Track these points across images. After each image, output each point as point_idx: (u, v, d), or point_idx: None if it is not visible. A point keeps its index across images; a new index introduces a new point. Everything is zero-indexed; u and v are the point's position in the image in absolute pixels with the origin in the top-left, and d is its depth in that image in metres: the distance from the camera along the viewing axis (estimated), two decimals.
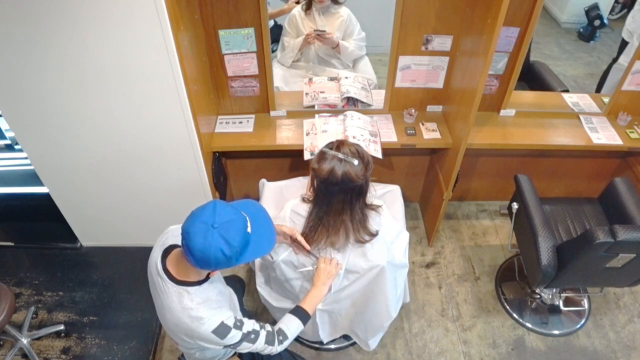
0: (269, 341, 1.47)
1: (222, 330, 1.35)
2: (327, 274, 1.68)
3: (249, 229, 1.26)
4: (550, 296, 2.47)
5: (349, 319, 2.05)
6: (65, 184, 2.35)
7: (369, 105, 2.56)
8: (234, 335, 1.37)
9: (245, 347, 1.43)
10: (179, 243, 1.33)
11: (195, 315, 1.33)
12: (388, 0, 2.13)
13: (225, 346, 1.40)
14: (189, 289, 1.34)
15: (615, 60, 2.93)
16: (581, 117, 2.52)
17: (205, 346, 1.41)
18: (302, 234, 1.69)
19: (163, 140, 2.13)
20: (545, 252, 1.96)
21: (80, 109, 1.99)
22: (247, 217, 1.28)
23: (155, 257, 1.43)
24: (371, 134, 2.29)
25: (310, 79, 2.71)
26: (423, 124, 2.45)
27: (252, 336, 1.43)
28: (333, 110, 2.52)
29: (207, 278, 1.39)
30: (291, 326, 1.55)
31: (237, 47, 2.24)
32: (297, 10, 2.95)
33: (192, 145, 2.14)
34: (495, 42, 1.85)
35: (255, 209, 1.36)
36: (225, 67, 2.32)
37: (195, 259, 1.21)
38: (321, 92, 2.57)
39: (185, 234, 1.22)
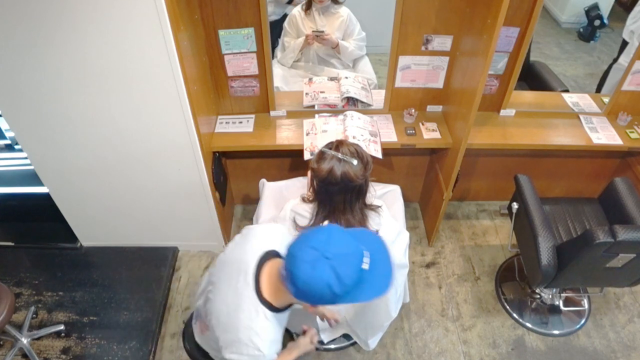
0: None
1: None
2: (304, 348, 1.52)
3: (365, 265, 1.07)
4: (550, 296, 2.47)
5: (348, 318, 2.05)
6: (65, 184, 2.35)
7: (369, 105, 2.56)
8: None
9: None
10: (282, 253, 1.17)
11: (254, 344, 1.18)
12: (388, 0, 2.13)
13: None
14: (269, 313, 1.20)
15: (615, 60, 2.93)
16: (581, 117, 2.52)
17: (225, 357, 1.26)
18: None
19: (163, 140, 2.13)
20: (545, 252, 1.96)
21: (81, 108, 1.99)
22: (365, 251, 1.09)
23: (250, 259, 1.25)
24: (371, 134, 2.29)
25: (310, 79, 2.71)
26: (423, 124, 2.45)
27: None
28: (333, 110, 2.52)
29: (289, 306, 1.25)
30: None
31: (237, 47, 2.24)
32: (297, 10, 2.95)
33: (192, 145, 2.14)
34: (495, 42, 1.85)
35: (375, 241, 1.17)
36: (225, 67, 2.32)
37: (296, 288, 1.06)
38: (321, 92, 2.57)
39: (291, 257, 1.07)
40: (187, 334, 1.79)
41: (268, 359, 1.20)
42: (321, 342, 2.24)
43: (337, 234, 1.08)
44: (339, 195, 1.60)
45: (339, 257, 1.04)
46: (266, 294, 1.20)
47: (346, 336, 2.25)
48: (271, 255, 1.25)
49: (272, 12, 3.23)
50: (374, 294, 1.10)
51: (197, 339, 1.55)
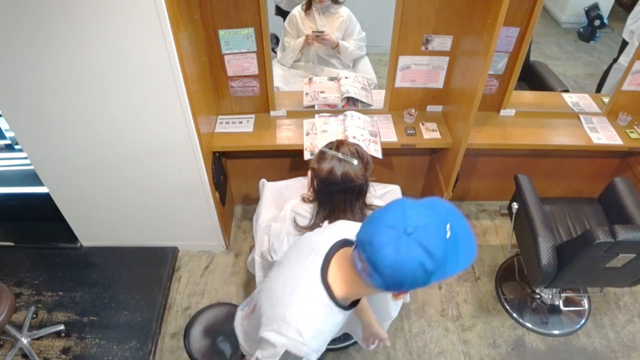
0: None
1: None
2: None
3: (448, 234, 0.94)
4: (550, 296, 2.47)
5: (349, 319, 2.04)
6: (65, 184, 2.35)
7: (369, 105, 2.56)
8: None
9: None
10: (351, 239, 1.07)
11: (299, 327, 1.05)
12: (388, 0, 2.13)
13: None
14: (327, 300, 1.07)
15: (615, 60, 2.93)
16: (581, 117, 2.52)
17: (263, 346, 1.13)
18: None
19: (163, 140, 2.12)
20: (545, 252, 1.96)
21: (81, 108, 1.99)
22: (445, 219, 0.96)
23: (326, 241, 1.14)
24: (371, 134, 2.29)
25: (310, 79, 2.71)
26: (423, 124, 2.45)
27: None
28: (333, 110, 2.52)
29: (354, 304, 1.14)
30: None
31: (237, 47, 2.24)
32: (297, 10, 2.95)
33: (192, 145, 2.14)
34: (495, 42, 1.85)
35: (448, 208, 1.01)
36: (225, 67, 2.32)
37: (383, 277, 0.93)
38: (321, 92, 2.57)
39: (367, 245, 0.93)
40: (189, 336, 1.79)
41: (307, 351, 1.05)
42: None
43: (410, 205, 0.96)
44: (339, 195, 1.60)
45: (422, 230, 0.91)
46: (331, 280, 1.08)
47: (346, 335, 2.25)
48: (348, 243, 1.13)
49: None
50: (463, 263, 0.97)
51: (237, 326, 1.44)
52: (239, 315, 1.47)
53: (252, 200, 2.95)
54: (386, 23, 2.21)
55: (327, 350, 2.32)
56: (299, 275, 1.11)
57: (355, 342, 2.26)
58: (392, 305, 1.96)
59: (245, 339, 1.41)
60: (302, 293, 1.08)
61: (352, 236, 1.10)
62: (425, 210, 0.95)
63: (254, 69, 2.34)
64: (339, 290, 1.07)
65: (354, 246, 1.00)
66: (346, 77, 2.64)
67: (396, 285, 0.94)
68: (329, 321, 1.09)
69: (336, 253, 1.11)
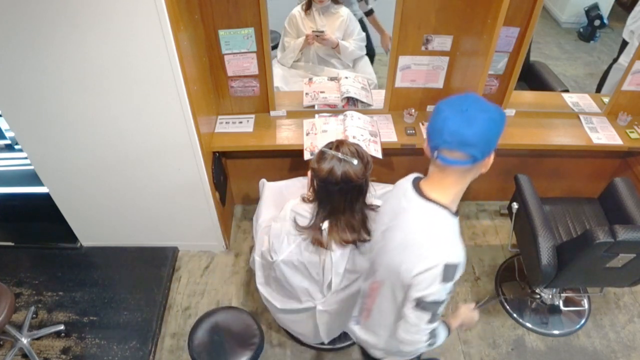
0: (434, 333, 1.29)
1: (450, 272, 1.16)
2: (466, 316, 1.55)
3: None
4: (550, 296, 2.47)
5: (349, 318, 2.04)
6: (65, 184, 2.35)
7: (369, 105, 2.56)
8: (446, 289, 1.18)
9: (434, 322, 1.24)
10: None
11: (443, 250, 1.17)
12: (388, 0, 2.13)
13: (430, 303, 1.18)
14: (440, 210, 1.20)
15: (615, 60, 2.93)
16: (581, 117, 2.52)
17: (407, 303, 1.21)
18: (312, 238, 1.71)
19: (163, 140, 2.12)
20: (545, 252, 1.96)
21: (80, 108, 1.99)
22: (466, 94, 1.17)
23: (405, 183, 1.28)
24: (371, 134, 2.29)
25: (310, 79, 2.71)
26: (423, 124, 2.45)
27: (440, 310, 1.23)
28: (333, 110, 2.52)
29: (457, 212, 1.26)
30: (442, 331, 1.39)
31: (237, 47, 2.24)
32: (297, 10, 2.95)
33: (192, 145, 2.14)
34: (495, 42, 1.85)
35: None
36: (225, 67, 2.32)
37: (478, 146, 1.11)
38: (321, 92, 2.57)
39: (450, 137, 1.09)
40: (192, 344, 1.79)
41: (460, 260, 1.18)
42: (321, 342, 2.24)
43: (447, 100, 1.14)
44: (339, 195, 1.60)
45: (472, 102, 1.11)
46: (434, 197, 1.21)
47: (346, 335, 2.25)
48: (418, 178, 1.29)
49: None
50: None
51: (360, 336, 1.52)
52: (356, 329, 1.56)
53: (252, 200, 2.95)
54: (386, 23, 2.21)
55: (327, 350, 2.32)
56: (404, 216, 1.23)
57: (355, 342, 2.25)
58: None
59: (374, 339, 1.48)
60: (424, 225, 1.20)
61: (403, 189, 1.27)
62: (452, 98, 1.15)
63: (254, 69, 2.34)
64: (443, 199, 1.22)
65: (435, 154, 1.16)
66: (346, 77, 2.64)
67: (489, 144, 1.14)
68: (455, 230, 1.24)
69: (419, 182, 1.26)
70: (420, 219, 1.22)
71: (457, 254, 1.19)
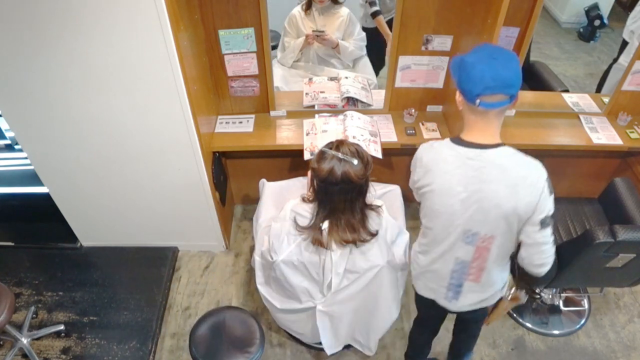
0: None
1: (550, 184, 1.35)
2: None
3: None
4: (550, 296, 2.47)
5: (350, 326, 2.04)
6: (65, 184, 2.35)
7: (369, 105, 2.56)
8: (552, 200, 1.37)
9: (549, 232, 1.40)
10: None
11: (526, 161, 1.35)
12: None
13: (550, 217, 1.38)
14: (508, 147, 1.36)
15: (615, 60, 2.93)
16: (581, 117, 2.52)
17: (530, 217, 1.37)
18: (312, 238, 1.71)
19: (163, 140, 2.13)
20: None
21: (80, 108, 1.99)
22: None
23: (461, 154, 1.38)
24: (371, 134, 2.29)
25: (310, 79, 2.71)
26: (423, 124, 2.45)
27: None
28: (333, 110, 2.52)
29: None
30: None
31: (237, 47, 2.24)
32: (297, 10, 2.95)
33: (192, 145, 2.14)
34: (496, 42, 1.85)
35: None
36: (225, 67, 2.32)
37: (515, 83, 1.27)
38: (321, 92, 2.57)
39: (491, 81, 1.25)
40: (193, 343, 1.79)
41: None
42: (321, 343, 2.24)
43: (467, 56, 1.30)
44: (339, 195, 1.60)
45: (496, 50, 1.32)
46: (492, 141, 1.35)
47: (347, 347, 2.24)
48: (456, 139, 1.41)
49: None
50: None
51: (466, 302, 1.63)
52: (463, 296, 1.64)
53: (252, 200, 2.95)
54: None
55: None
56: (498, 169, 1.35)
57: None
58: (393, 305, 1.96)
59: (482, 294, 1.65)
60: (512, 164, 1.34)
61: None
62: (474, 52, 1.31)
63: (254, 69, 2.34)
64: (498, 139, 1.36)
65: (477, 102, 1.28)
66: (346, 77, 2.64)
67: (520, 82, 1.28)
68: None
69: (464, 141, 1.37)
70: (505, 163, 1.34)
71: (542, 168, 1.36)
